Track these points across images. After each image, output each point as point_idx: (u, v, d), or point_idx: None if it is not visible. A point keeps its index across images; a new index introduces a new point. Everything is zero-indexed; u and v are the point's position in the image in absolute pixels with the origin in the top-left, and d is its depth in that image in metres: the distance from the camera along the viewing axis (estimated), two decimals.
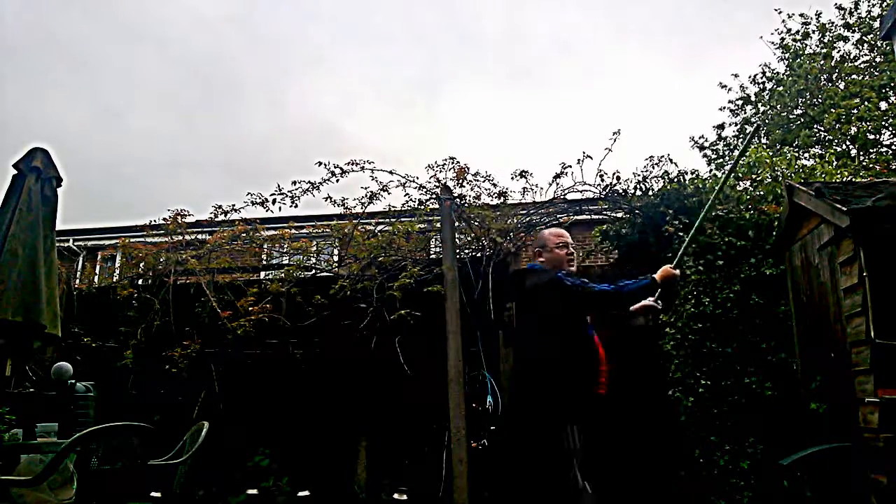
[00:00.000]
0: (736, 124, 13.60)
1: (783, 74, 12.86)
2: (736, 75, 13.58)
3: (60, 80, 30.98)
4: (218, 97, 34.42)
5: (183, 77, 31.51)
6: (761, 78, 13.37)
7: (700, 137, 13.74)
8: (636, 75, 28.37)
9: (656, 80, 27.91)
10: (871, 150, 11.03)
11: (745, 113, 13.52)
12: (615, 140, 5.73)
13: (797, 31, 12.94)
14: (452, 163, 5.99)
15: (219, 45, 31.63)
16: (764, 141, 12.56)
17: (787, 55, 12.89)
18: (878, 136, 11.27)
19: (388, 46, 32.63)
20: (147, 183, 30.74)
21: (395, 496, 5.24)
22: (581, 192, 5.88)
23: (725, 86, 13.63)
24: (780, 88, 12.51)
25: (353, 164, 5.94)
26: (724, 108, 13.77)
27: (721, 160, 13.21)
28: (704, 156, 13.62)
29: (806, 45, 12.76)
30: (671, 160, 5.58)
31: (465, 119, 34.44)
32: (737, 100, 13.56)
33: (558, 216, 6.11)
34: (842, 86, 11.70)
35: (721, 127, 13.71)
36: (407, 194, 6.10)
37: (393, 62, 31.89)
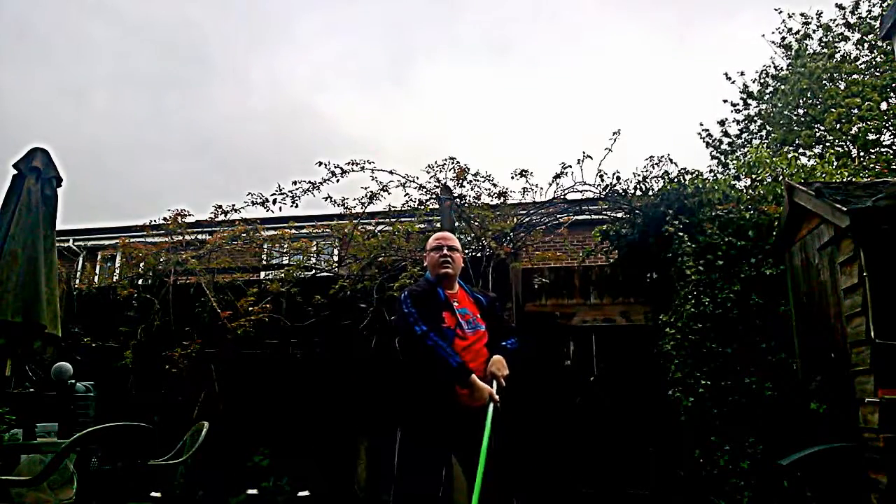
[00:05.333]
0: (738, 122, 13.62)
1: (786, 71, 12.85)
2: (742, 73, 13.64)
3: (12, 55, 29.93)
4: (185, 73, 33.60)
5: (149, 53, 30.72)
6: (764, 77, 13.37)
7: (705, 131, 13.77)
8: (631, 53, 27.99)
9: (652, 56, 27.57)
10: (872, 150, 11.01)
11: (749, 109, 13.52)
12: (615, 140, 5.73)
13: (797, 31, 12.94)
14: (452, 163, 6.00)
15: (184, 16, 30.77)
16: (765, 140, 12.57)
17: (788, 54, 12.90)
18: (878, 137, 11.25)
19: (363, 22, 31.81)
20: (112, 168, 30.08)
21: None
22: (581, 192, 5.87)
23: (731, 78, 13.65)
24: (784, 87, 12.49)
25: (353, 163, 5.95)
26: (728, 100, 13.78)
27: (724, 156, 13.24)
28: (708, 145, 13.66)
29: (807, 45, 12.75)
30: (671, 160, 5.58)
31: (452, 99, 34.02)
32: (741, 93, 13.58)
33: (558, 216, 6.11)
34: (842, 86, 11.69)
35: (723, 123, 13.74)
36: (407, 194, 6.10)
37: (366, 38, 31.17)
